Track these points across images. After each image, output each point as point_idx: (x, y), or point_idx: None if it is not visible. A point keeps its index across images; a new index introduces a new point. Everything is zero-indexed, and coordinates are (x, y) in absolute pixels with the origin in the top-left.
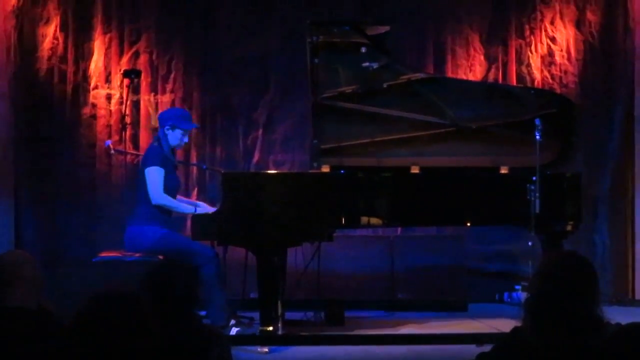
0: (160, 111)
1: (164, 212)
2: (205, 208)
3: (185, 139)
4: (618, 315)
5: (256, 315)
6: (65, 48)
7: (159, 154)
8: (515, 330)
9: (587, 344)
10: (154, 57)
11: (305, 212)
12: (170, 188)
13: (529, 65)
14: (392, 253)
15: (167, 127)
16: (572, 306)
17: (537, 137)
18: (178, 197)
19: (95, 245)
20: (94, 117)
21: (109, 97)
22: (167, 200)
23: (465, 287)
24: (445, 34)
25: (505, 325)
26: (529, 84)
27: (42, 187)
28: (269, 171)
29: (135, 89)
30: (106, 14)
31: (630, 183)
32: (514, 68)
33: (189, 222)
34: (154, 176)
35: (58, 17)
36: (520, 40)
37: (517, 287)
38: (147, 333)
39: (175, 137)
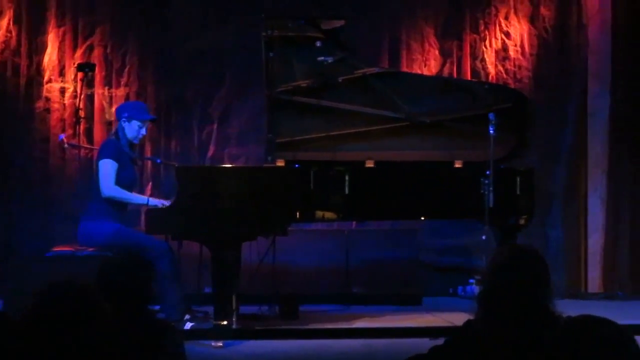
0: (114, 105)
1: (118, 207)
2: (159, 202)
3: (143, 132)
4: (571, 309)
5: (211, 309)
6: (19, 41)
7: (114, 147)
8: (468, 323)
9: (538, 336)
10: (108, 50)
11: (260, 206)
12: (126, 182)
13: (483, 60)
14: (347, 247)
15: (123, 119)
16: (524, 299)
17: (491, 131)
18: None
19: (49, 240)
20: (47, 110)
21: (62, 91)
22: (118, 192)
23: (419, 280)
24: (400, 29)
25: (459, 318)
26: (483, 79)
27: None
28: (224, 165)
29: (89, 83)
30: (60, 8)
31: (584, 178)
32: (468, 63)
33: (143, 217)
34: (106, 168)
35: (11, 10)
36: (475, 35)
37: (471, 280)
38: (99, 324)
39: (132, 129)
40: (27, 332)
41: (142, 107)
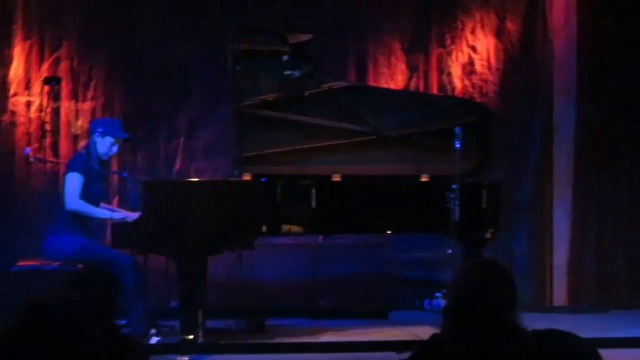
0: (80, 118)
1: (84, 221)
2: (125, 214)
3: (114, 149)
4: (536, 322)
5: (177, 323)
6: None
7: (82, 162)
8: (434, 337)
9: (504, 350)
10: (74, 64)
11: (227, 220)
12: (92, 198)
13: (449, 74)
14: (313, 261)
15: (97, 133)
16: (490, 313)
17: (457, 145)
18: (102, 205)
19: (14, 254)
20: (13, 124)
21: (28, 104)
22: (81, 206)
23: (386, 294)
24: (367, 43)
25: (425, 332)
26: (449, 93)
27: None
28: (191, 179)
29: (55, 96)
30: (27, 21)
31: (549, 192)
32: (435, 77)
33: (109, 231)
34: (72, 182)
35: None
36: (442, 49)
37: (437, 294)
38: (88, 340)
39: (104, 144)
40: (8, 351)
41: (118, 124)
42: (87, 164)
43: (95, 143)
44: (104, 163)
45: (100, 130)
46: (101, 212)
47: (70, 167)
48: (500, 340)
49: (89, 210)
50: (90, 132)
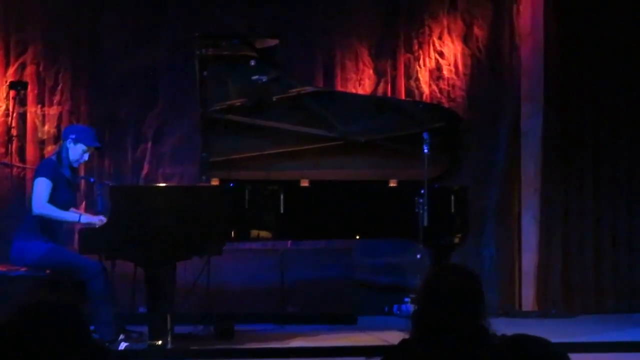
0: (47, 123)
1: (51, 227)
2: (92, 218)
3: (86, 157)
4: (505, 327)
5: (145, 329)
6: None
7: (52, 167)
8: (403, 342)
9: (472, 355)
10: (40, 68)
11: (194, 225)
12: (60, 203)
13: (417, 79)
14: (282, 266)
15: (70, 139)
16: (458, 318)
17: (425, 150)
18: (72, 209)
19: None
20: None
21: None
22: (48, 209)
23: (354, 299)
24: (334, 48)
25: (394, 337)
26: (417, 98)
27: None
28: (158, 184)
29: (21, 101)
30: None
31: (517, 196)
32: (402, 82)
33: (77, 236)
34: (40, 187)
35: None
36: (409, 55)
37: (406, 299)
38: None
39: (76, 152)
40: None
41: (91, 133)
42: (56, 170)
43: (67, 149)
44: (74, 170)
45: (73, 137)
46: (68, 214)
47: (39, 172)
48: (469, 345)
49: (56, 214)
50: (63, 138)
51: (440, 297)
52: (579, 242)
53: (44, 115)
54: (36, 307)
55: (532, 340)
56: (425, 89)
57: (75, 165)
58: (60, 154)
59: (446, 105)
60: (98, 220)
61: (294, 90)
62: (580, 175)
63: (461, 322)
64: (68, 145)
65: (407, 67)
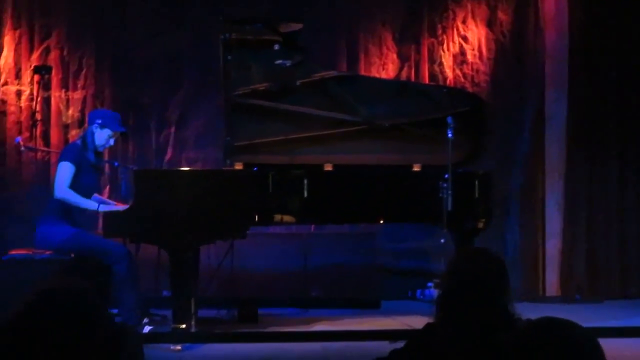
0: (71, 108)
1: (75, 211)
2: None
3: (111, 142)
4: (529, 312)
5: (169, 313)
6: None
7: (76, 152)
8: (427, 326)
9: (497, 339)
10: (65, 53)
11: (218, 209)
12: (84, 188)
13: (441, 64)
14: (305, 250)
15: (96, 124)
16: (483, 302)
17: (449, 135)
18: (95, 196)
19: (5, 243)
20: (4, 113)
21: (19, 94)
22: (69, 194)
23: (378, 284)
24: (358, 32)
25: (417, 322)
26: (441, 83)
27: None
28: (182, 168)
29: (45, 86)
30: (16, 10)
31: (541, 181)
32: (426, 67)
33: (101, 220)
34: (63, 171)
35: None
36: (433, 39)
37: (429, 284)
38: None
39: (102, 136)
40: (17, 337)
41: (117, 118)
42: (81, 154)
43: (92, 134)
44: (99, 154)
45: (99, 122)
46: (87, 202)
47: (63, 156)
48: (494, 329)
49: (75, 199)
50: (89, 122)
51: (464, 281)
52: (603, 227)
53: (68, 100)
54: (45, 292)
55: (559, 323)
56: (449, 73)
57: (100, 150)
58: (86, 138)
59: (470, 89)
60: (118, 209)
61: (317, 74)
62: (604, 159)
63: (486, 306)
64: (94, 130)
65: (431, 52)
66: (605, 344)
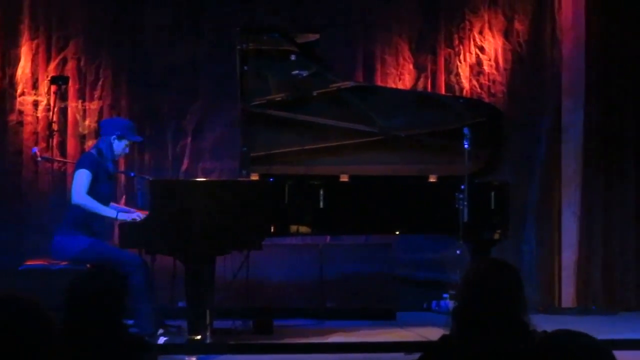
0: (88, 118)
1: (92, 221)
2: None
3: (127, 150)
4: (545, 324)
5: (184, 323)
6: None
7: (92, 160)
8: (443, 338)
9: (514, 351)
10: (82, 63)
11: (234, 220)
12: (101, 196)
13: (457, 74)
14: (321, 261)
15: (114, 136)
16: (499, 314)
17: (466, 145)
18: (112, 205)
19: (21, 254)
20: (20, 124)
21: (36, 104)
22: (87, 201)
23: (393, 295)
24: (374, 43)
25: (433, 333)
26: (457, 93)
27: None
28: (198, 179)
29: (62, 96)
30: (33, 20)
31: (558, 192)
32: (442, 77)
33: (117, 231)
34: (80, 178)
35: None
36: (449, 50)
37: (445, 295)
38: (49, 342)
39: (119, 146)
40: None
41: (133, 128)
42: (97, 163)
43: (111, 144)
44: (114, 163)
45: (119, 133)
46: (106, 210)
47: (80, 164)
48: (510, 341)
49: (94, 206)
50: (105, 132)
51: (480, 293)
52: (619, 239)
53: (84, 110)
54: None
55: (575, 335)
56: (466, 84)
57: (116, 158)
58: (102, 148)
59: (487, 100)
60: (134, 217)
61: (334, 85)
62: (621, 170)
63: (502, 317)
64: (112, 141)
65: (448, 62)
66: (621, 356)
